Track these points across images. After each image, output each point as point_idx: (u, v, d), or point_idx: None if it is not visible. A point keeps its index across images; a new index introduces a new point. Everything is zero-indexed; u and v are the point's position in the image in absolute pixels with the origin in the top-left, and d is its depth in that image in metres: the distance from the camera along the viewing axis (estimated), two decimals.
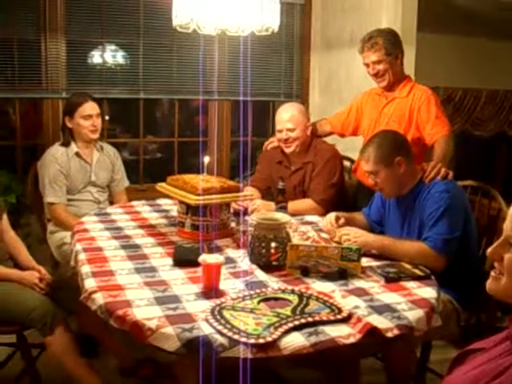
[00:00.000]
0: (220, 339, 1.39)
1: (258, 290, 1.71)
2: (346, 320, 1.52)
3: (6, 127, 3.76)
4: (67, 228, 2.75)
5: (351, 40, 3.60)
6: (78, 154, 2.98)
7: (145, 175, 3.86)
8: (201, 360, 1.36)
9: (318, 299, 1.64)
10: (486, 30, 4.11)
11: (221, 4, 2.04)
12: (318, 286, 1.79)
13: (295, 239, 2.12)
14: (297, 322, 1.48)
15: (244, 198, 2.43)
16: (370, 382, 2.35)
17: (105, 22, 3.50)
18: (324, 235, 2.30)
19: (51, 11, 3.35)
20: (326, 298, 1.65)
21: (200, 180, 2.26)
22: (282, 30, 3.81)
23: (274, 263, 1.91)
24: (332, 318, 1.52)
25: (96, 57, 3.66)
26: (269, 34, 2.22)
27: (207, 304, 1.60)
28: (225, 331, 1.41)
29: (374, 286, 1.80)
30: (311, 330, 1.46)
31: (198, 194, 2.19)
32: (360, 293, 1.73)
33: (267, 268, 1.90)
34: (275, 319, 1.49)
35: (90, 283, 1.75)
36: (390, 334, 1.48)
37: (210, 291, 1.69)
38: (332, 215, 2.33)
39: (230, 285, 1.77)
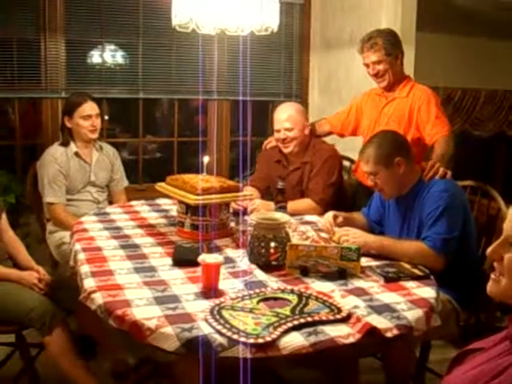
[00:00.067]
0: (219, 339, 1.39)
1: (257, 290, 1.71)
2: (345, 320, 1.52)
3: (5, 127, 3.76)
4: (66, 228, 2.75)
5: (351, 40, 3.60)
6: (77, 154, 2.98)
7: (144, 175, 3.86)
8: (200, 360, 1.36)
9: (317, 299, 1.64)
10: (486, 30, 4.11)
11: (220, 4, 2.04)
12: (317, 285, 1.79)
13: (294, 239, 2.12)
14: (296, 322, 1.48)
15: (243, 197, 2.43)
16: (368, 381, 2.35)
17: (104, 21, 3.50)
18: (323, 235, 2.29)
19: (51, 11, 3.35)
20: (325, 298, 1.65)
21: (199, 180, 2.26)
22: (282, 29, 3.80)
23: (274, 263, 1.90)
24: (331, 317, 1.52)
25: (95, 56, 3.66)
26: (268, 33, 2.22)
27: (206, 304, 1.59)
28: (224, 331, 1.41)
29: (373, 286, 1.80)
30: (310, 329, 1.46)
31: (198, 194, 2.19)
32: (359, 293, 1.73)
33: (266, 268, 1.90)
34: (274, 319, 1.49)
35: (89, 283, 1.74)
36: (389, 334, 1.48)
37: (210, 291, 1.69)
38: (330, 214, 2.33)
39: (229, 285, 1.76)
